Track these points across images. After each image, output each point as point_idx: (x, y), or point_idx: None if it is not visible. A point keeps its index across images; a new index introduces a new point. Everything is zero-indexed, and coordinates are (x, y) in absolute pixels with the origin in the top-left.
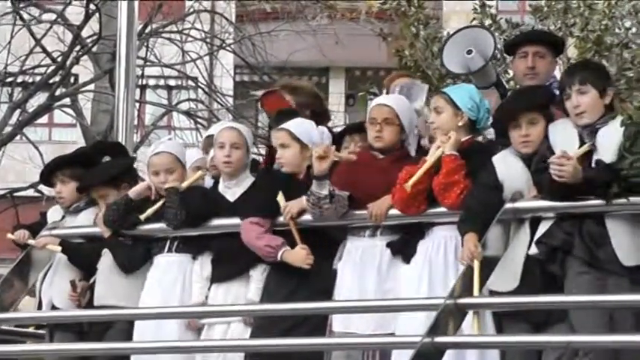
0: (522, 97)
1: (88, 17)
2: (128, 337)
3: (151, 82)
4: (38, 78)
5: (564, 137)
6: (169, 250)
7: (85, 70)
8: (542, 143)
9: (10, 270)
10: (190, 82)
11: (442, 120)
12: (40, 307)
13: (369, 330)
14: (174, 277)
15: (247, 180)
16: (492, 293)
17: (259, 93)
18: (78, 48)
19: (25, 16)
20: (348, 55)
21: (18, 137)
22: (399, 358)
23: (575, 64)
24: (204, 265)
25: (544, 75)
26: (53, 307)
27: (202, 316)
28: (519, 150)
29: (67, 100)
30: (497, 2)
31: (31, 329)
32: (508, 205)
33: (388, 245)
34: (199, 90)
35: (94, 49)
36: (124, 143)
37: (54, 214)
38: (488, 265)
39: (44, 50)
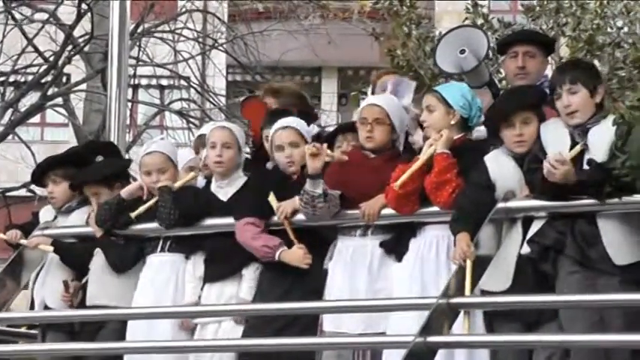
0: (514, 97)
1: (80, 17)
2: (121, 337)
3: (144, 81)
4: (30, 77)
5: (556, 137)
6: (162, 250)
7: (77, 69)
8: (534, 143)
9: (2, 270)
10: (183, 82)
11: (434, 118)
12: (32, 307)
13: (359, 329)
14: (167, 277)
15: (240, 179)
16: (484, 293)
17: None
18: (70, 47)
19: (17, 16)
20: (340, 54)
21: (10, 137)
22: (390, 357)
23: (566, 63)
24: (196, 264)
25: (534, 75)
26: (46, 307)
27: (195, 315)
28: (513, 150)
29: (59, 100)
30: (490, 2)
31: (23, 329)
32: (500, 205)
33: (381, 244)
34: (192, 89)
35: (86, 48)
36: (116, 143)
37: (46, 214)
38: (481, 264)
39: (36, 50)
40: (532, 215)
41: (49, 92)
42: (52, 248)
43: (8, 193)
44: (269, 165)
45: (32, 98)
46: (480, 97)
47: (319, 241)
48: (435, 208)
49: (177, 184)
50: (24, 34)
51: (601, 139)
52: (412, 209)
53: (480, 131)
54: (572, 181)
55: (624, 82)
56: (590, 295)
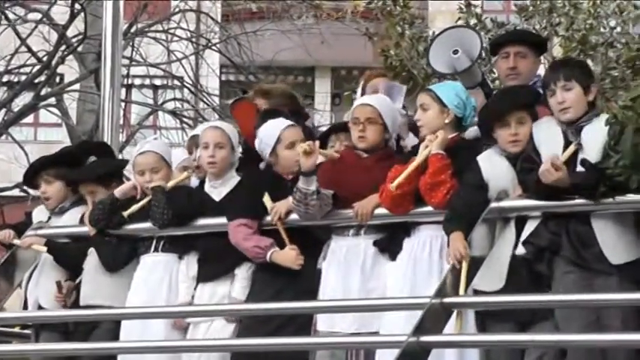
0: (508, 97)
1: (73, 17)
2: (114, 337)
3: (137, 81)
4: (23, 77)
5: (549, 136)
6: (155, 250)
7: (70, 69)
8: (527, 146)
9: None
10: (176, 82)
11: (428, 117)
12: (25, 307)
13: (352, 329)
14: (161, 277)
15: (233, 179)
16: (478, 293)
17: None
18: (63, 47)
19: (10, 16)
20: (333, 54)
21: (3, 137)
22: (383, 356)
23: (559, 61)
24: (190, 264)
25: (526, 75)
26: (39, 308)
27: (188, 315)
28: (508, 150)
29: (52, 100)
30: (483, 2)
31: (16, 329)
32: (493, 205)
33: (375, 243)
34: (185, 89)
35: (80, 48)
36: (109, 143)
37: (39, 214)
38: (474, 264)
39: (29, 50)
40: (525, 215)
41: (43, 92)
42: (45, 248)
43: (1, 193)
44: (262, 165)
45: (25, 98)
46: (473, 97)
47: (312, 241)
48: (428, 208)
49: (170, 184)
50: (17, 34)
51: (594, 139)
52: (406, 209)
53: (474, 131)
54: (565, 184)
55: (617, 82)
56: (583, 295)
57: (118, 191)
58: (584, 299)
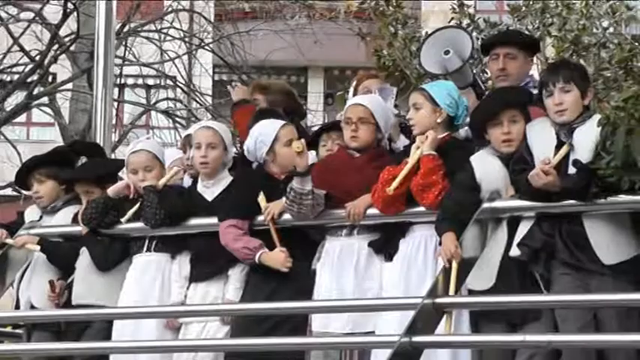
0: (501, 96)
1: (66, 16)
2: (106, 336)
3: (130, 81)
4: (16, 77)
5: (542, 136)
6: (148, 250)
7: (62, 69)
8: (520, 142)
9: None
10: (169, 82)
11: (421, 116)
12: (17, 306)
13: (346, 329)
14: (153, 277)
15: (225, 179)
16: (471, 293)
17: (235, 91)
18: (56, 47)
19: (3, 15)
20: (326, 54)
21: None
22: (378, 357)
23: (559, 62)
24: (182, 264)
25: (516, 76)
26: (31, 307)
27: (181, 315)
28: (501, 150)
29: (45, 99)
30: (476, 2)
31: (8, 329)
32: (486, 205)
33: (370, 244)
34: (178, 89)
35: (72, 48)
36: (102, 142)
37: (31, 213)
38: (466, 264)
39: (22, 49)
40: (518, 215)
41: (35, 91)
42: (38, 247)
43: None
44: (254, 165)
45: (18, 97)
46: (465, 98)
47: (307, 242)
48: (422, 209)
49: (162, 182)
50: (10, 33)
51: (586, 139)
52: (398, 210)
53: (464, 132)
54: (556, 188)
55: (610, 83)
56: (575, 296)
57: (111, 190)
58: (576, 299)
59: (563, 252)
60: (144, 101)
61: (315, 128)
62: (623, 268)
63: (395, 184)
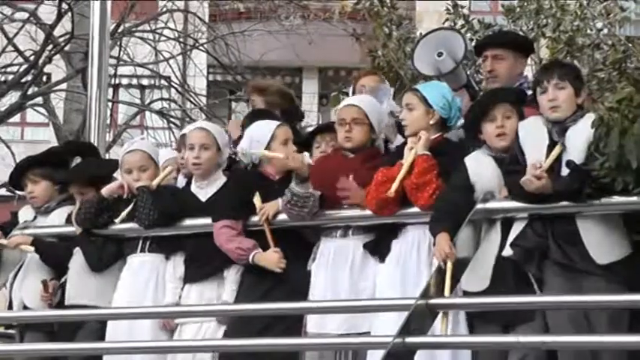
0: (495, 94)
1: (60, 16)
2: (100, 337)
3: (124, 81)
4: (10, 77)
5: (534, 136)
6: (142, 250)
7: (57, 69)
8: (514, 141)
9: None
10: (163, 82)
11: (413, 117)
12: (10, 307)
13: (341, 330)
14: (147, 278)
15: (219, 180)
16: (466, 294)
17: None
18: (50, 47)
19: None
20: (321, 55)
21: None
22: (373, 357)
23: (554, 61)
24: (177, 265)
25: (505, 77)
26: (24, 308)
27: (176, 316)
28: (495, 144)
29: (39, 99)
30: (470, 3)
31: (1, 329)
32: (479, 206)
33: (364, 246)
34: (172, 89)
35: (67, 48)
36: (96, 142)
37: (25, 213)
38: (460, 265)
39: (16, 49)
40: (512, 216)
41: (30, 92)
42: (32, 248)
43: None
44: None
45: (12, 98)
46: (458, 99)
47: (302, 242)
48: (415, 209)
49: (155, 182)
50: (4, 33)
51: (579, 139)
52: (392, 211)
53: (455, 134)
54: (549, 190)
55: (603, 84)
56: (569, 296)
57: (105, 190)
58: (569, 300)
59: (556, 252)
60: (138, 101)
61: (310, 129)
62: (616, 268)
63: (395, 186)
